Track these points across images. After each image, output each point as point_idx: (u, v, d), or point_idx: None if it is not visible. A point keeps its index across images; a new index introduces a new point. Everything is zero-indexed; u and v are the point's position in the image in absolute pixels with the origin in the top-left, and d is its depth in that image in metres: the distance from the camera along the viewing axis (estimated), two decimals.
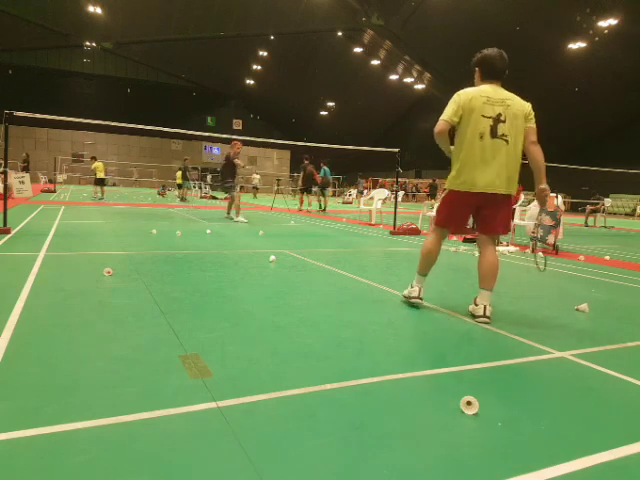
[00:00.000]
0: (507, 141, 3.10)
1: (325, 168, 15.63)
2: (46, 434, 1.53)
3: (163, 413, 1.69)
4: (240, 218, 9.99)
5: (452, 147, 3.27)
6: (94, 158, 17.16)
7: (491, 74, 3.22)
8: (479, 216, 3.24)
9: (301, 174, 15.65)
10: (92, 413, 1.66)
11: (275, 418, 1.71)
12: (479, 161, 3.09)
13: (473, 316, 3.18)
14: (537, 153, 3.22)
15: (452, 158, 3.25)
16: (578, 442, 1.65)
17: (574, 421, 1.81)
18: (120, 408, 1.71)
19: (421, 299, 3.39)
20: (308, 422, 1.69)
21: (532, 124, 3.20)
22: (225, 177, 10.12)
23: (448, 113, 3.14)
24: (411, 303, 3.42)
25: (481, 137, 3.08)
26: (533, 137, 3.21)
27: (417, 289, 3.39)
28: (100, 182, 16.78)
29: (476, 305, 3.19)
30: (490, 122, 3.08)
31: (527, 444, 1.62)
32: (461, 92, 3.17)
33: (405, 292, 3.51)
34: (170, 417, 1.67)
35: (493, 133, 3.08)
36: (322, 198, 15.52)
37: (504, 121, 3.09)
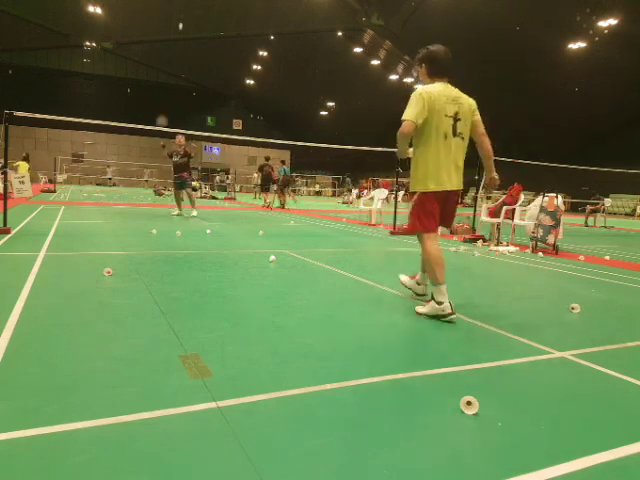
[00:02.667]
0: (463, 138, 3.21)
1: (284, 168, 16.82)
2: (46, 434, 1.53)
3: (163, 413, 1.69)
4: (194, 213, 10.63)
5: (411, 149, 3.31)
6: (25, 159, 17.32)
7: (440, 71, 3.23)
8: (441, 212, 3.27)
9: (260, 174, 17.37)
10: (92, 413, 1.66)
11: (275, 418, 1.71)
12: (445, 161, 3.15)
13: (412, 292, 3.67)
14: (488, 143, 3.35)
15: (416, 159, 3.24)
16: (578, 442, 1.65)
17: (574, 421, 1.81)
18: (120, 408, 1.71)
19: (454, 314, 3.06)
20: (308, 422, 1.69)
21: (478, 116, 3.29)
22: (178, 172, 10.54)
23: (413, 113, 3.07)
24: (446, 320, 3.06)
25: (445, 137, 3.13)
26: (482, 128, 3.31)
27: (447, 305, 3.06)
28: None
29: (418, 284, 3.62)
30: (451, 121, 3.13)
31: (527, 444, 1.62)
32: (422, 91, 3.11)
33: (427, 310, 3.15)
34: (170, 417, 1.67)
35: (454, 132, 3.15)
36: (282, 196, 16.87)
37: (460, 119, 3.17)
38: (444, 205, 3.26)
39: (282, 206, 16.50)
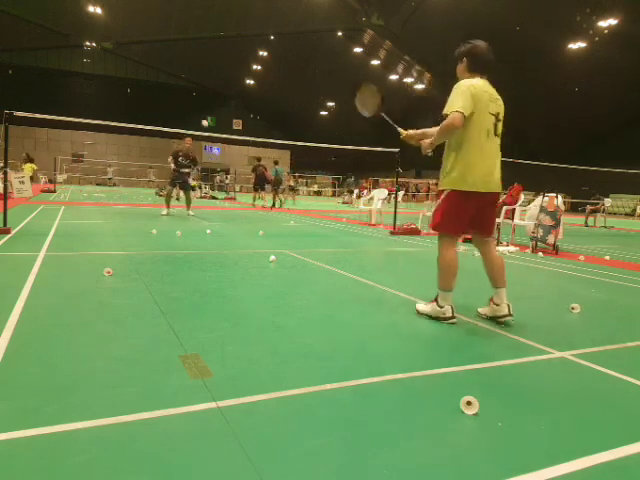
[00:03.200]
0: (500, 139, 3.09)
1: (277, 168, 17.37)
2: (46, 434, 1.53)
3: (163, 413, 1.69)
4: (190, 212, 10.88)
5: (452, 141, 3.04)
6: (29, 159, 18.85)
7: (482, 68, 3.05)
8: (478, 216, 3.07)
9: (254, 175, 17.67)
10: (92, 413, 1.66)
11: (275, 418, 1.71)
12: (485, 160, 2.97)
13: (494, 317, 3.09)
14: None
15: (451, 155, 3.03)
16: (578, 442, 1.65)
17: (574, 421, 1.81)
18: (120, 408, 1.71)
19: (455, 318, 3.06)
20: (308, 422, 1.69)
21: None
22: (183, 175, 10.71)
23: (462, 104, 2.84)
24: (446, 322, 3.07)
25: (487, 135, 2.97)
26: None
27: (448, 308, 3.04)
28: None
29: (496, 305, 3.07)
30: (493, 120, 2.99)
31: (527, 444, 1.61)
32: (469, 84, 2.92)
33: (429, 309, 3.14)
34: (170, 417, 1.67)
35: (495, 131, 3.02)
36: (276, 196, 17.36)
37: (500, 120, 3.06)
38: (481, 208, 3.05)
39: (273, 205, 17.01)
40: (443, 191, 3.09)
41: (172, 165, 10.57)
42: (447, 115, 2.88)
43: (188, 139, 10.57)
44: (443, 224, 3.09)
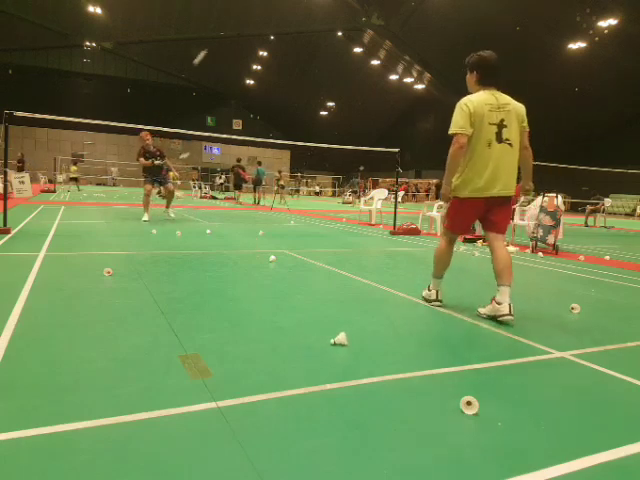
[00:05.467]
0: (511, 144, 3.17)
1: (259, 168, 18.85)
2: (46, 434, 1.53)
3: (163, 413, 1.69)
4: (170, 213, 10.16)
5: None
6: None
7: (490, 79, 3.22)
8: (488, 217, 3.28)
9: (232, 175, 19.55)
10: (92, 413, 1.66)
11: (275, 418, 1.71)
12: (488, 167, 3.13)
13: (495, 317, 3.10)
14: (528, 157, 3.35)
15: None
16: (578, 442, 1.65)
17: (574, 421, 1.81)
18: (120, 408, 1.71)
19: (440, 301, 3.48)
20: (308, 422, 1.69)
21: (525, 125, 3.27)
22: (158, 172, 9.66)
23: (461, 123, 3.09)
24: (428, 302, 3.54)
25: (489, 144, 3.13)
26: (526, 141, 3.31)
27: (434, 292, 3.50)
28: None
29: (498, 304, 3.08)
30: (495, 129, 3.12)
31: (527, 444, 1.61)
32: (467, 101, 3.13)
33: (424, 293, 3.63)
34: (170, 417, 1.67)
35: (499, 139, 3.14)
36: (255, 194, 18.96)
37: (507, 126, 3.15)
38: (490, 209, 3.24)
39: (257, 203, 18.35)
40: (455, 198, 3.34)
41: (142, 161, 9.33)
42: (453, 135, 3.13)
43: (143, 133, 9.31)
44: (447, 223, 3.46)
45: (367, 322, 2.99)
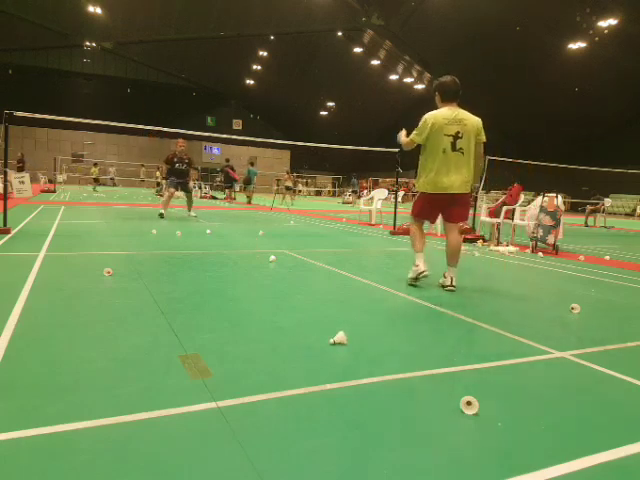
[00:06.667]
0: (463, 153, 3.91)
1: (250, 168, 19.51)
2: (46, 434, 1.53)
3: (163, 413, 1.69)
4: (191, 213, 10.91)
5: (421, 157, 4.11)
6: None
7: (448, 97, 4.02)
8: (445, 210, 4.12)
9: (222, 174, 20.13)
10: (92, 413, 1.66)
11: (275, 418, 1.71)
12: (442, 170, 3.92)
13: (442, 286, 4.03)
14: (480, 164, 4.12)
15: (421, 167, 4.09)
16: (578, 442, 1.65)
17: (574, 421, 1.81)
18: (120, 408, 1.71)
19: (426, 270, 4.04)
20: (308, 422, 1.69)
21: (482, 138, 3.98)
22: (182, 178, 10.63)
23: (416, 133, 4.02)
24: (417, 279, 4.07)
25: (444, 151, 3.91)
26: (480, 151, 4.03)
27: (420, 264, 4.04)
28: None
29: (445, 277, 4.04)
30: (450, 139, 3.88)
31: (527, 444, 1.61)
32: (428, 116, 3.96)
33: (410, 275, 4.10)
34: (170, 417, 1.67)
35: (453, 147, 3.89)
36: (246, 192, 19.70)
37: (461, 137, 3.89)
38: (446, 204, 4.06)
39: (249, 202, 19.01)
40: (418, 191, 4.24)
41: (164, 170, 10.51)
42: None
43: (180, 141, 10.38)
44: (413, 211, 4.31)
45: (367, 322, 2.99)
